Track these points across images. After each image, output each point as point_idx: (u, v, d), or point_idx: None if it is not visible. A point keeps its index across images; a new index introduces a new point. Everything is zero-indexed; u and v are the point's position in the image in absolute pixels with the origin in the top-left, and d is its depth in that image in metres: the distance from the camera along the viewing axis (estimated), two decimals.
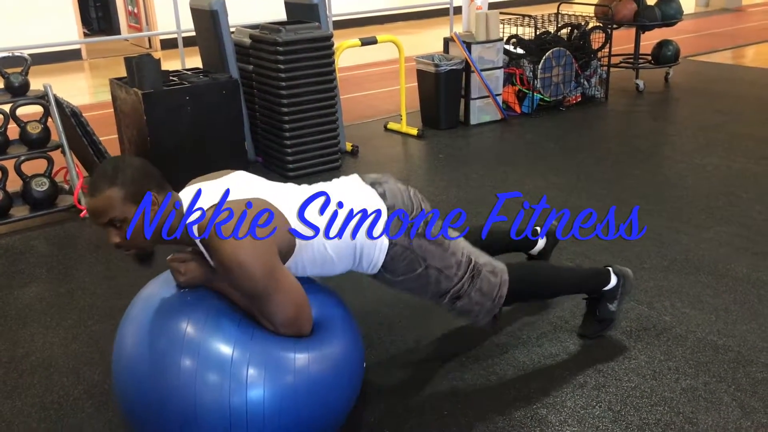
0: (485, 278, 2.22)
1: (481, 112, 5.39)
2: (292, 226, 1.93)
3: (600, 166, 4.37)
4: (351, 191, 2.11)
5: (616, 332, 2.56)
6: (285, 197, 1.98)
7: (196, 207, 1.87)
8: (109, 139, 4.85)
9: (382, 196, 2.10)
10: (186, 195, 1.93)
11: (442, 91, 5.17)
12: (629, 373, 2.33)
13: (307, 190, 2.09)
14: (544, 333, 2.57)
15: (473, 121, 5.38)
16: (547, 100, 5.61)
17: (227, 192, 1.91)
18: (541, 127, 5.28)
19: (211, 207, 1.86)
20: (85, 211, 3.84)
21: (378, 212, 2.07)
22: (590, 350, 2.46)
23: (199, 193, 1.91)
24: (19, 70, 3.89)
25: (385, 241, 2.06)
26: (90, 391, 2.36)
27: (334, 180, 2.20)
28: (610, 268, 2.49)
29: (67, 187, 4.09)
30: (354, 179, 2.18)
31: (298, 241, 1.94)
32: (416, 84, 5.46)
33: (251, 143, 4.66)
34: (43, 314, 2.89)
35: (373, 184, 2.14)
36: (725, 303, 2.73)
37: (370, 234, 2.05)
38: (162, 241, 1.90)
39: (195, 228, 1.85)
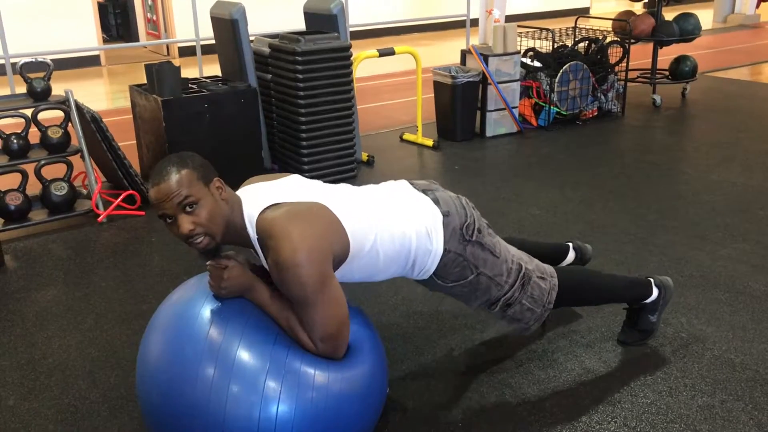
0: (536, 284, 2.24)
1: (497, 124, 5.40)
2: (350, 234, 1.91)
3: (616, 181, 4.36)
4: (405, 197, 2.11)
5: (631, 348, 2.55)
6: (342, 201, 1.96)
7: (255, 205, 1.86)
8: (126, 145, 4.90)
9: (436, 202, 2.11)
10: (244, 194, 1.92)
11: (459, 102, 5.19)
12: (645, 389, 2.32)
13: (363, 194, 2.07)
14: (560, 348, 2.57)
15: (489, 133, 5.38)
16: (564, 113, 5.61)
17: (287, 193, 1.90)
18: (557, 140, 5.28)
19: (273, 206, 1.85)
20: (102, 216, 3.88)
21: (434, 220, 2.07)
22: (606, 366, 2.45)
23: (257, 191, 1.91)
24: (41, 75, 3.94)
25: (439, 249, 2.07)
26: (106, 395, 2.37)
27: (384, 184, 2.19)
28: (652, 280, 2.50)
29: (85, 191, 4.13)
30: (404, 185, 2.18)
31: (352, 248, 1.93)
32: (432, 95, 5.47)
33: (268, 151, 4.68)
34: (60, 317, 2.91)
35: (425, 191, 2.15)
36: (742, 321, 2.72)
37: (426, 242, 2.05)
38: (227, 232, 1.85)
39: (253, 226, 1.84)
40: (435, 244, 2.07)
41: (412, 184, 2.19)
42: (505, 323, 2.33)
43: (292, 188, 1.95)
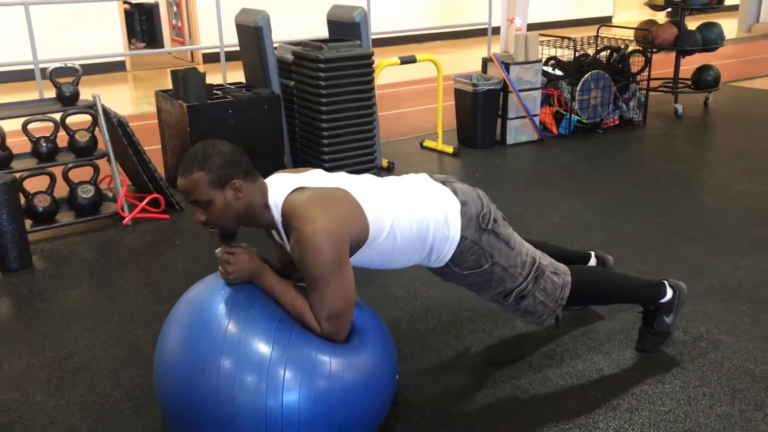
0: (549, 279, 2.29)
1: (518, 132, 5.41)
2: (369, 219, 1.99)
3: (637, 190, 4.35)
4: (425, 186, 2.19)
5: (649, 356, 2.55)
6: (364, 188, 2.05)
7: (281, 191, 1.96)
8: (151, 150, 4.98)
9: (454, 192, 2.20)
10: (271, 181, 2.03)
11: (480, 110, 5.21)
12: (663, 397, 2.32)
13: (384, 183, 2.16)
14: (578, 354, 2.58)
15: (509, 141, 5.40)
16: (585, 122, 5.61)
17: (311, 181, 2.02)
18: (578, 148, 5.28)
19: (298, 189, 1.96)
20: (127, 219, 3.95)
21: (452, 208, 2.14)
22: (624, 373, 2.46)
23: (283, 179, 2.02)
24: (70, 80, 4.03)
25: (456, 235, 2.14)
26: (130, 394, 2.42)
27: (406, 176, 2.27)
28: (666, 281, 2.53)
29: (111, 194, 4.20)
30: (424, 176, 2.26)
31: (371, 232, 2.01)
32: (453, 103, 5.50)
33: (290, 156, 4.73)
34: (85, 317, 2.97)
35: (443, 183, 2.23)
36: (763, 331, 2.71)
37: (443, 228, 2.12)
38: (244, 223, 1.99)
39: (278, 209, 1.95)
40: (452, 231, 2.14)
41: (431, 176, 2.29)
42: (518, 316, 2.39)
43: (316, 177, 2.06)
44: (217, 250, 1.97)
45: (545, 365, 2.51)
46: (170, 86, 4.46)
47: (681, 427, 2.17)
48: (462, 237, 2.16)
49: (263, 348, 1.83)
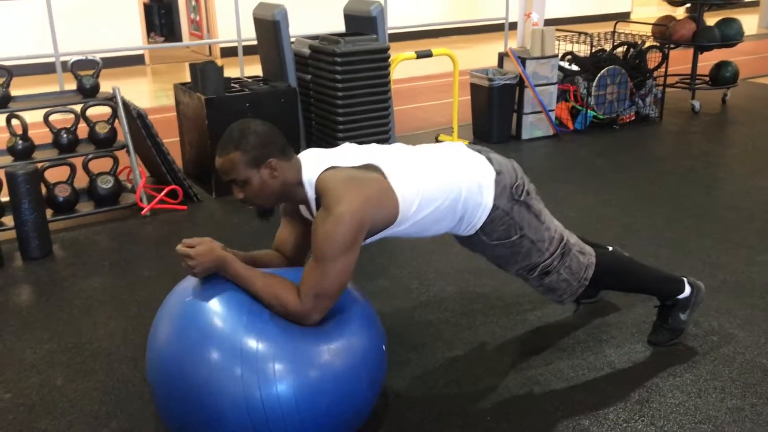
0: (574, 257, 2.34)
1: (534, 127, 5.42)
2: (399, 197, 2.03)
3: (652, 185, 4.35)
4: (460, 154, 2.23)
5: (661, 349, 2.56)
6: (395, 162, 2.09)
7: (314, 168, 2.01)
8: (169, 142, 5.03)
9: (489, 161, 2.23)
10: (305, 158, 2.07)
11: (495, 105, 5.22)
12: (673, 389, 2.34)
13: (417, 153, 2.19)
14: (589, 346, 2.60)
15: (525, 136, 5.41)
16: (601, 117, 5.60)
17: (344, 156, 2.07)
18: (594, 144, 5.27)
19: (331, 168, 2.00)
20: (146, 210, 4.01)
21: (486, 176, 2.18)
22: (634, 365, 2.48)
23: (317, 156, 2.07)
24: (90, 72, 4.09)
25: (489, 203, 2.18)
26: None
27: (442, 144, 2.31)
28: (685, 279, 2.56)
29: (129, 186, 4.27)
30: (461, 145, 2.30)
31: (401, 210, 2.05)
32: (468, 97, 5.52)
33: (305, 149, 4.77)
34: (105, 305, 3.03)
35: (479, 152, 2.27)
36: None
37: (476, 195, 2.16)
38: (280, 200, 2.05)
39: (312, 186, 2.00)
40: (485, 199, 2.18)
41: (468, 145, 2.33)
42: (541, 292, 2.42)
43: (349, 151, 2.11)
44: (178, 246, 1.96)
45: (556, 357, 2.54)
46: (188, 79, 4.51)
47: (691, 419, 2.19)
48: (494, 206, 2.19)
49: (247, 338, 1.83)
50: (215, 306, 1.91)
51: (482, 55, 9.66)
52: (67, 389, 2.44)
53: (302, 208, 2.17)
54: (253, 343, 1.84)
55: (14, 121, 3.90)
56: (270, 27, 4.56)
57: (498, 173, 2.22)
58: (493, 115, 5.26)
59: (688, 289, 2.54)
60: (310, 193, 2.02)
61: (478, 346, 2.63)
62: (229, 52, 9.99)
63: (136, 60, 9.84)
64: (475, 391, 2.36)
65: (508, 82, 5.21)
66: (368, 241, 2.08)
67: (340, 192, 1.93)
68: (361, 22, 4.76)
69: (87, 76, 4.06)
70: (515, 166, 2.32)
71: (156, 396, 1.98)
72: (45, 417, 2.29)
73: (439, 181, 2.13)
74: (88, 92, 4.06)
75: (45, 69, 8.28)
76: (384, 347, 2.11)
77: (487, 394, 2.34)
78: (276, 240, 2.27)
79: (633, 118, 5.81)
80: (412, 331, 2.73)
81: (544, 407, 2.27)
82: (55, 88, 5.57)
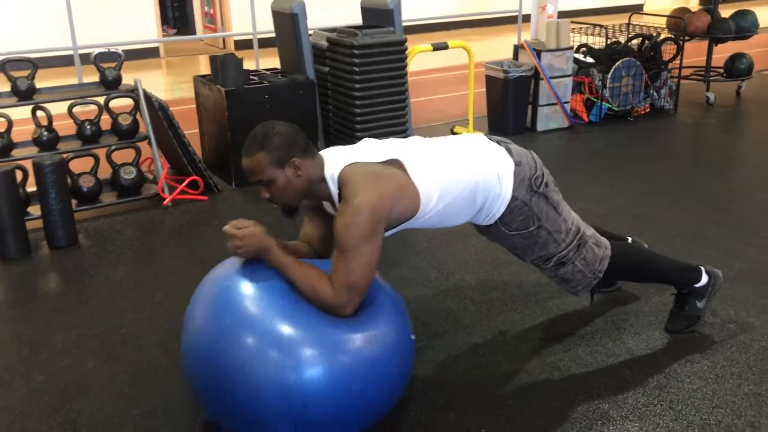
0: (590, 249, 2.39)
1: (549, 119, 5.45)
2: (420, 190, 2.08)
3: (667, 176, 4.38)
4: (480, 146, 2.27)
5: (678, 337, 2.61)
6: (415, 156, 2.14)
7: (336, 164, 2.06)
8: (187, 134, 5.09)
9: (509, 152, 2.28)
10: (327, 154, 2.12)
11: (511, 97, 5.25)
12: (691, 375, 2.38)
13: (436, 145, 2.23)
14: (607, 333, 2.64)
15: (540, 127, 5.44)
16: (615, 109, 5.62)
17: (365, 152, 2.11)
18: (609, 136, 5.30)
19: (353, 163, 2.05)
20: (168, 200, 4.08)
21: (506, 167, 2.23)
22: (652, 352, 2.52)
23: (339, 153, 2.11)
24: (113, 65, 4.16)
25: (508, 194, 2.23)
26: (177, 363, 2.52)
27: (461, 135, 2.36)
28: (702, 267, 2.60)
29: (150, 177, 4.34)
30: (481, 136, 2.35)
31: (421, 202, 2.10)
32: (483, 90, 5.55)
33: (323, 141, 4.83)
34: (131, 292, 3.10)
35: (499, 143, 2.31)
36: None
37: (496, 186, 2.21)
38: (305, 198, 2.11)
39: (335, 181, 2.05)
40: (504, 190, 2.23)
41: (487, 136, 2.37)
42: (555, 282, 2.48)
43: (369, 147, 2.16)
44: (225, 226, 2.03)
45: (575, 344, 2.58)
46: (202, 72, 4.57)
47: (709, 404, 2.24)
48: (513, 196, 2.24)
49: (283, 323, 1.89)
50: (252, 291, 1.96)
51: (495, 48, 9.67)
52: (98, 372, 2.51)
53: (326, 204, 2.21)
54: (288, 328, 1.89)
55: (39, 113, 3.98)
56: (288, 20, 4.61)
57: (517, 164, 2.27)
58: (508, 107, 5.29)
59: (705, 278, 2.58)
60: (333, 189, 2.07)
61: (498, 333, 2.68)
62: (243, 45, 10.05)
63: (151, 53, 9.92)
64: (496, 376, 2.41)
65: (523, 74, 5.24)
66: (389, 232, 2.13)
67: (359, 184, 1.99)
68: (378, 15, 4.80)
69: (109, 68, 4.12)
70: (534, 157, 2.37)
71: (191, 379, 2.04)
72: (78, 398, 2.36)
73: (458, 173, 2.18)
74: (111, 84, 4.13)
75: (60, 62, 8.36)
76: (413, 337, 2.17)
77: (508, 379, 2.39)
78: (302, 237, 2.31)
79: (647, 110, 5.83)
80: (432, 318, 2.79)
81: (564, 391, 2.32)
82: (73, 81, 5.64)
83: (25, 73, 3.96)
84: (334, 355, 1.90)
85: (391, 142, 2.21)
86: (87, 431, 2.20)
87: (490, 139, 2.34)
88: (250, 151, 2.01)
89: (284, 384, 1.86)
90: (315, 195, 2.12)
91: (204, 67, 9.36)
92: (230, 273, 2.04)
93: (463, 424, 2.18)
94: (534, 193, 2.28)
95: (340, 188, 2.04)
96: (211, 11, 10.85)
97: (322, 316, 1.95)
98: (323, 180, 2.07)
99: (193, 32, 11.26)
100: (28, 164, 3.71)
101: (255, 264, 2.03)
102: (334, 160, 2.08)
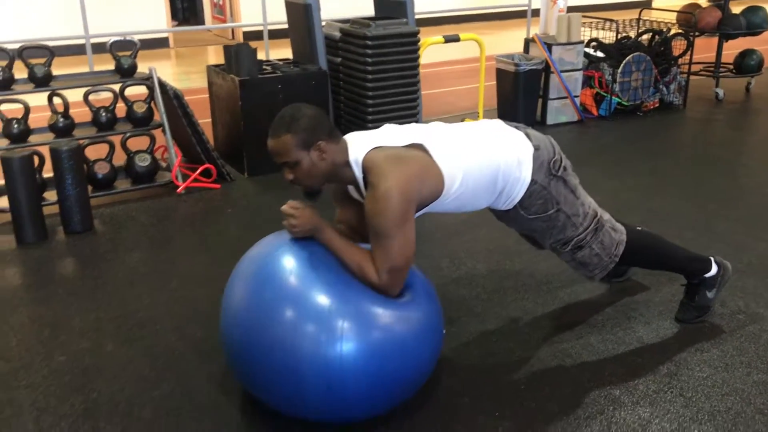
0: (607, 233, 2.43)
1: (559, 112, 5.47)
2: (444, 173, 2.12)
3: (676, 171, 4.40)
4: (499, 130, 2.31)
5: (688, 326, 2.64)
6: (437, 140, 2.17)
7: (361, 149, 2.09)
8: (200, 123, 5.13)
9: (528, 137, 2.31)
10: (351, 139, 2.15)
11: (521, 90, 5.28)
12: (701, 364, 2.42)
13: (457, 130, 2.27)
14: (618, 322, 2.68)
15: (550, 121, 5.46)
16: (625, 104, 5.64)
17: (388, 137, 2.14)
18: (618, 130, 5.32)
19: (377, 148, 2.08)
20: (181, 188, 4.12)
21: (525, 151, 2.26)
22: (662, 341, 2.56)
23: (362, 137, 2.15)
24: (128, 53, 4.19)
25: (527, 178, 2.27)
26: (194, 347, 2.59)
27: (480, 121, 2.40)
28: (712, 258, 2.63)
29: (164, 164, 4.38)
30: (499, 122, 2.39)
31: (445, 184, 2.14)
32: (493, 83, 5.57)
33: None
34: (147, 277, 3.15)
35: (517, 128, 2.35)
36: None
37: (515, 170, 2.25)
38: (328, 180, 2.14)
39: (359, 165, 2.08)
40: (524, 174, 2.26)
41: (505, 122, 2.40)
42: (572, 267, 2.51)
43: (392, 132, 2.19)
44: (284, 206, 2.10)
45: (587, 332, 2.62)
46: (212, 62, 4.60)
47: (719, 391, 2.27)
48: (532, 180, 2.28)
49: (323, 299, 1.95)
50: (297, 266, 2.02)
51: (504, 41, 9.68)
52: (117, 354, 2.55)
53: (351, 189, 2.26)
54: (329, 303, 1.94)
55: (56, 100, 4.02)
56: (301, 10, 4.63)
57: (536, 149, 2.30)
58: (518, 100, 5.32)
59: (714, 268, 2.62)
60: (358, 173, 2.10)
61: (510, 321, 2.72)
62: (252, 36, 10.07)
63: (161, 43, 9.95)
64: (509, 362, 2.45)
65: (534, 67, 5.26)
66: (417, 214, 2.17)
67: (385, 169, 2.02)
68: (391, 7, 4.83)
69: (125, 56, 4.16)
70: (552, 141, 2.41)
71: (230, 355, 2.10)
72: (98, 379, 2.40)
73: (480, 156, 2.21)
74: (126, 72, 4.16)
75: (69, 51, 8.38)
76: (444, 331, 2.24)
77: (521, 365, 2.43)
78: (338, 224, 2.35)
79: (657, 105, 5.84)
80: (445, 306, 2.79)
81: (575, 378, 2.36)
82: (85, 69, 5.68)
83: (42, 60, 4.00)
84: (371, 331, 1.95)
85: (413, 126, 2.24)
86: (107, 410, 2.24)
87: (509, 125, 2.38)
88: (277, 132, 2.04)
89: (322, 358, 1.91)
90: (339, 178, 2.15)
91: (213, 58, 9.39)
92: (268, 250, 2.11)
93: (477, 408, 2.22)
94: (553, 177, 2.32)
95: (365, 173, 2.07)
96: (221, 2, 10.87)
97: (360, 293, 2.00)
98: (347, 164, 2.11)
99: (202, 23, 11.27)
100: (44, 150, 3.76)
101: (292, 243, 2.09)
102: (358, 144, 2.11)
